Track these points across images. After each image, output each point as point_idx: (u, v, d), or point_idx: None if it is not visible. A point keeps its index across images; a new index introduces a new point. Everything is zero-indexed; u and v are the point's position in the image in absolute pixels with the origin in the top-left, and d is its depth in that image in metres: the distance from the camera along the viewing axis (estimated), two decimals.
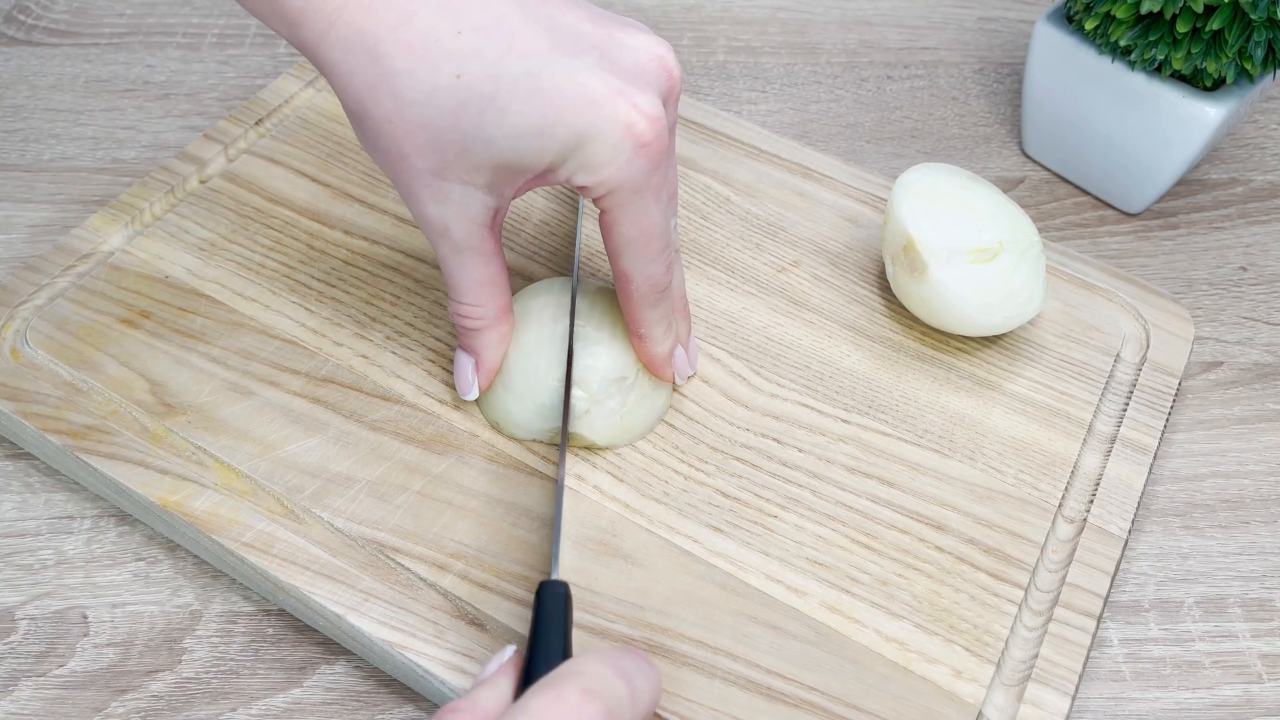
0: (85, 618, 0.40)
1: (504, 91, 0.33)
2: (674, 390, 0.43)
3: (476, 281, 0.38)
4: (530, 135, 0.33)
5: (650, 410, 0.42)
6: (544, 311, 0.41)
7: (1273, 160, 0.59)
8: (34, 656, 0.39)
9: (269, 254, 0.47)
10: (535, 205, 0.50)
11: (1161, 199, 0.56)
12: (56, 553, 0.41)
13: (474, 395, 0.41)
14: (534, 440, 0.41)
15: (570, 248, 0.48)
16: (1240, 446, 0.47)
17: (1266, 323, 0.51)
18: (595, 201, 0.35)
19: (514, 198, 0.37)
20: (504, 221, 0.41)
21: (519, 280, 0.47)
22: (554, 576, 0.34)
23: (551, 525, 0.39)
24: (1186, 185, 0.57)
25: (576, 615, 0.37)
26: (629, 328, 0.40)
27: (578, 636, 0.37)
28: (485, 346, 0.40)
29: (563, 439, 0.39)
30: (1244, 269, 0.54)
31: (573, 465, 0.41)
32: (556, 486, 0.38)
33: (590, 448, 0.41)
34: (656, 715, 0.35)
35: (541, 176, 0.35)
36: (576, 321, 0.41)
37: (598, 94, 0.32)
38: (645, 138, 0.33)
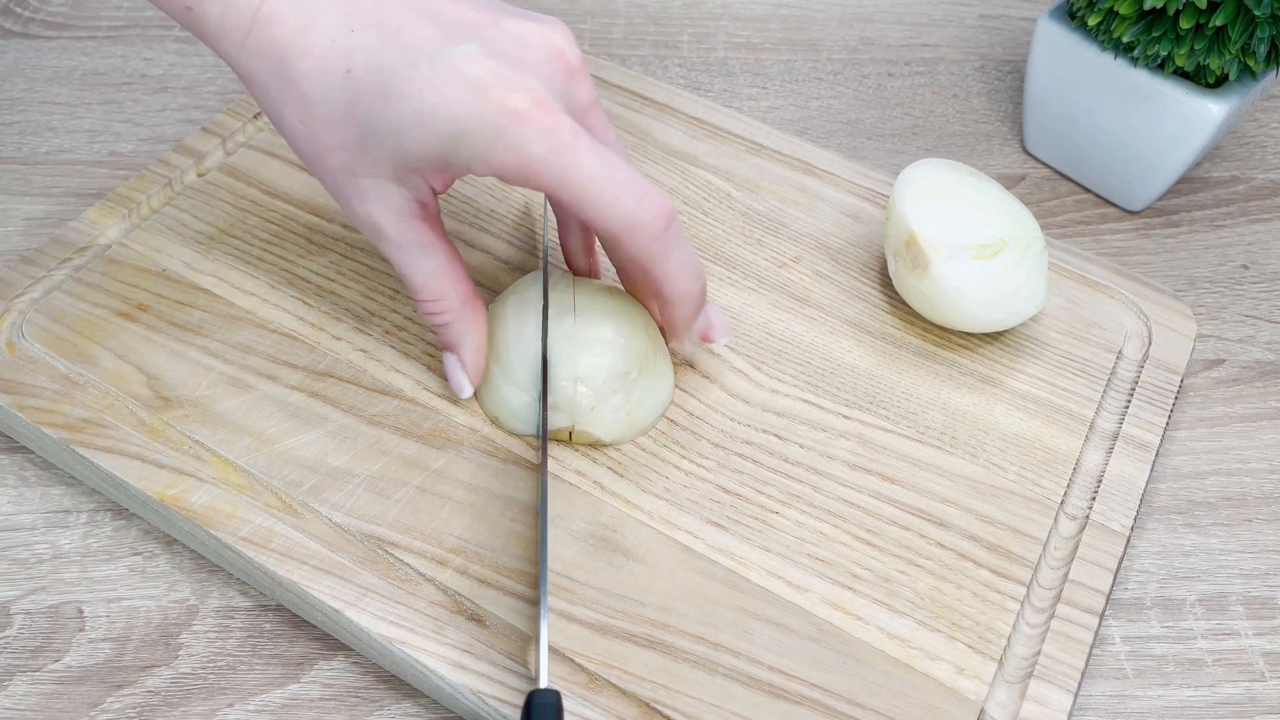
0: (81, 612, 0.39)
1: (388, 82, 0.34)
2: (675, 386, 0.43)
3: (426, 274, 0.38)
4: (412, 124, 0.33)
5: (655, 403, 0.41)
6: (541, 301, 0.41)
7: (1274, 158, 0.59)
8: (29, 651, 0.38)
9: (267, 247, 0.47)
10: (535, 198, 0.50)
11: (1163, 197, 0.56)
12: (52, 547, 0.41)
13: (468, 393, 0.40)
14: (534, 435, 0.41)
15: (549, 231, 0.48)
16: (1242, 444, 0.47)
17: (1268, 321, 0.51)
18: (526, 186, 0.34)
19: (440, 191, 0.37)
20: (453, 210, 0.41)
21: (504, 266, 0.47)
22: (542, 684, 0.32)
23: (549, 520, 0.39)
24: (1188, 183, 0.57)
25: (578, 610, 0.37)
26: (653, 291, 0.38)
27: (579, 632, 0.36)
28: (460, 338, 0.40)
29: (543, 457, 0.37)
30: (1245, 267, 0.54)
31: (573, 461, 0.41)
32: (540, 563, 0.36)
33: (595, 444, 0.41)
34: (656, 712, 0.35)
35: (444, 168, 0.35)
36: (578, 319, 0.40)
37: (473, 78, 0.33)
38: (519, 109, 0.32)
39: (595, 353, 0.40)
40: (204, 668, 0.38)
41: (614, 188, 0.34)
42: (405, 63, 0.34)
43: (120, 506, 0.42)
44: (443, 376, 0.43)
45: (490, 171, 0.34)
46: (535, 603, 0.37)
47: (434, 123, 0.33)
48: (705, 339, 0.40)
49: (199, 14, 0.36)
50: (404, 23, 0.34)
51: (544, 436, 0.39)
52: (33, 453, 0.43)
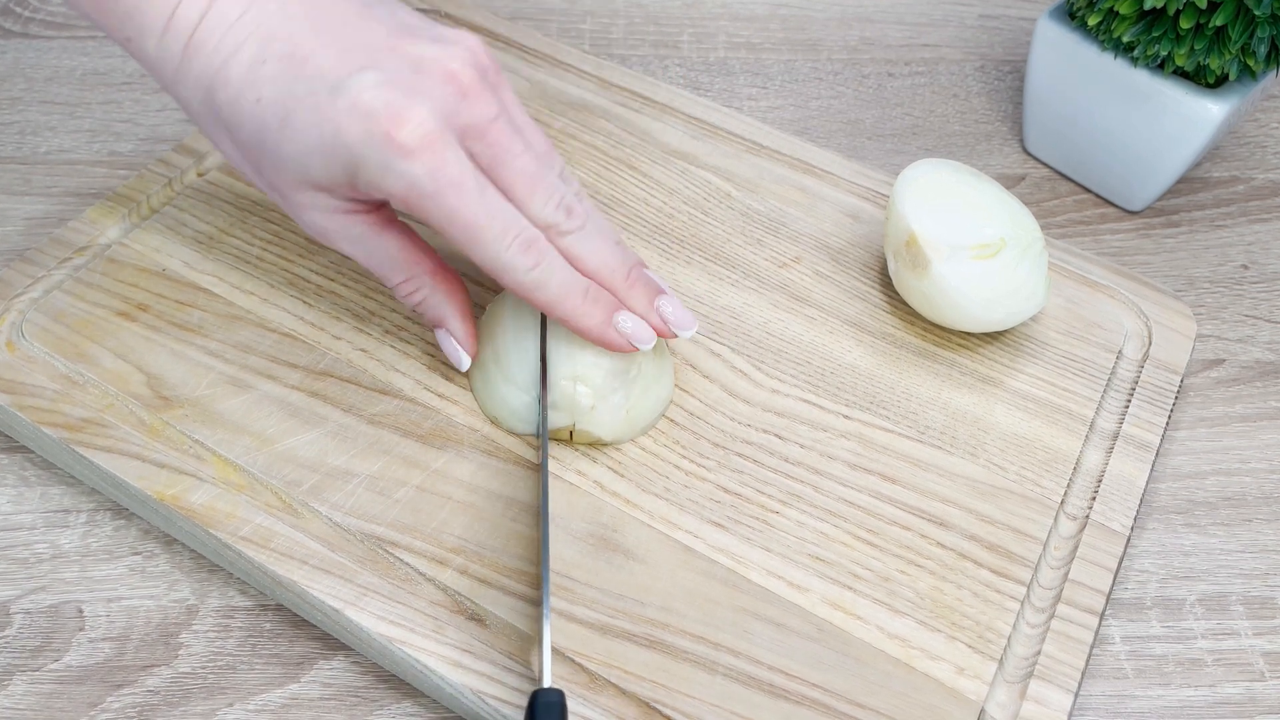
0: (81, 612, 0.39)
1: (291, 111, 0.35)
2: (675, 386, 0.43)
3: (389, 259, 0.39)
4: (313, 152, 0.35)
5: (655, 402, 0.41)
6: None
7: (1274, 159, 0.59)
8: (29, 651, 0.38)
9: (267, 247, 0.47)
10: None
11: (1162, 197, 0.56)
12: (52, 546, 0.41)
13: (466, 364, 0.41)
14: (534, 435, 0.41)
15: None
16: (1242, 444, 0.47)
17: (1268, 321, 0.51)
18: (412, 214, 0.36)
19: (368, 202, 0.38)
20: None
21: None
22: (546, 684, 0.32)
23: (549, 520, 0.39)
24: (1187, 183, 0.57)
25: (578, 610, 0.37)
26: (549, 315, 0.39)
27: (579, 631, 0.36)
28: (439, 310, 0.40)
29: (544, 478, 0.37)
30: (1245, 267, 0.54)
31: (573, 461, 0.41)
32: (541, 565, 0.36)
33: (596, 444, 0.41)
34: (656, 712, 0.35)
35: (354, 190, 0.36)
36: None
37: (365, 108, 0.34)
38: (408, 144, 0.34)
39: (594, 351, 0.40)
40: (204, 667, 0.38)
41: (492, 230, 0.36)
42: (307, 92, 0.35)
43: (120, 506, 0.42)
44: (443, 375, 0.43)
45: (380, 196, 0.36)
46: (536, 603, 0.37)
47: (331, 152, 0.35)
48: (664, 334, 0.40)
49: (137, 44, 0.38)
50: (310, 52, 0.36)
51: (544, 436, 0.39)
52: (32, 452, 0.43)
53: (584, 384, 0.40)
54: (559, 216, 0.37)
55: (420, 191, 0.35)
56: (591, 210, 0.39)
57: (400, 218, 0.40)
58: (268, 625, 0.39)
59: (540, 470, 0.39)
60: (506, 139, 0.36)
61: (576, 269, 0.38)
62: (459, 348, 0.41)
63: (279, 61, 0.36)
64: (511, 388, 0.40)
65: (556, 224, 0.37)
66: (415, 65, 0.36)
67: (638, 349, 0.39)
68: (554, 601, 0.37)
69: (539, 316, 0.41)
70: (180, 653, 0.38)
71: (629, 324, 0.39)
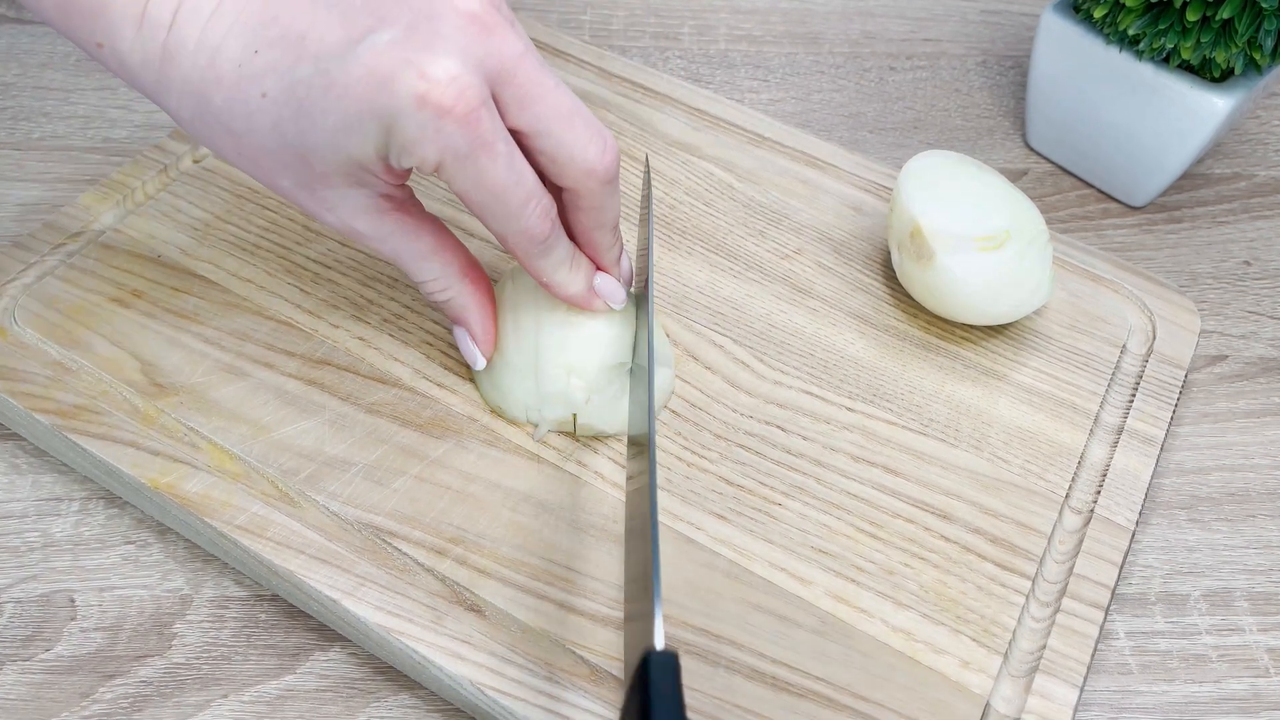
0: (73, 601, 0.39)
1: (303, 98, 0.32)
2: (676, 377, 0.43)
3: (418, 256, 0.37)
4: (342, 133, 0.32)
5: (656, 393, 0.41)
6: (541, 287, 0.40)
7: (1276, 156, 0.59)
8: (19, 641, 0.38)
9: (264, 234, 0.46)
10: None
11: (1165, 193, 0.56)
12: (43, 535, 0.40)
13: (481, 364, 0.40)
14: (535, 424, 0.41)
15: None
16: (1245, 440, 0.46)
17: (1271, 317, 0.51)
18: (440, 178, 0.33)
19: (399, 182, 0.36)
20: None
21: (502, 255, 0.46)
22: (658, 645, 0.28)
23: (549, 510, 0.38)
24: (1189, 179, 0.57)
25: (579, 601, 0.36)
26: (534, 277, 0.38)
27: (580, 623, 0.36)
28: (464, 310, 0.39)
29: (652, 479, 0.34)
30: (1248, 263, 0.53)
31: (575, 452, 0.40)
32: (651, 521, 0.32)
33: (598, 436, 0.41)
34: None
35: (388, 165, 0.34)
36: (564, 310, 0.40)
37: (385, 72, 0.31)
38: (444, 103, 0.31)
39: (587, 344, 0.39)
40: (198, 658, 0.38)
41: (514, 200, 0.34)
42: (316, 72, 0.32)
43: (113, 494, 0.41)
44: (442, 364, 0.42)
45: (414, 163, 0.33)
46: (535, 594, 0.36)
47: (360, 126, 0.32)
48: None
49: (110, 49, 0.34)
50: (306, 27, 0.32)
51: (651, 431, 0.36)
52: (24, 440, 0.43)
53: (577, 376, 0.39)
54: (606, 160, 0.35)
55: (455, 154, 0.32)
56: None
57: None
58: (263, 616, 0.39)
59: (538, 459, 0.38)
60: (537, 74, 0.33)
61: (585, 219, 0.37)
62: (476, 350, 0.40)
63: (274, 47, 0.32)
64: (512, 375, 0.40)
65: (598, 168, 0.35)
66: (426, 12, 0.32)
67: (613, 309, 0.39)
68: (554, 593, 0.36)
69: (540, 299, 0.40)
70: (174, 643, 0.38)
71: (607, 286, 0.39)
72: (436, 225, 0.38)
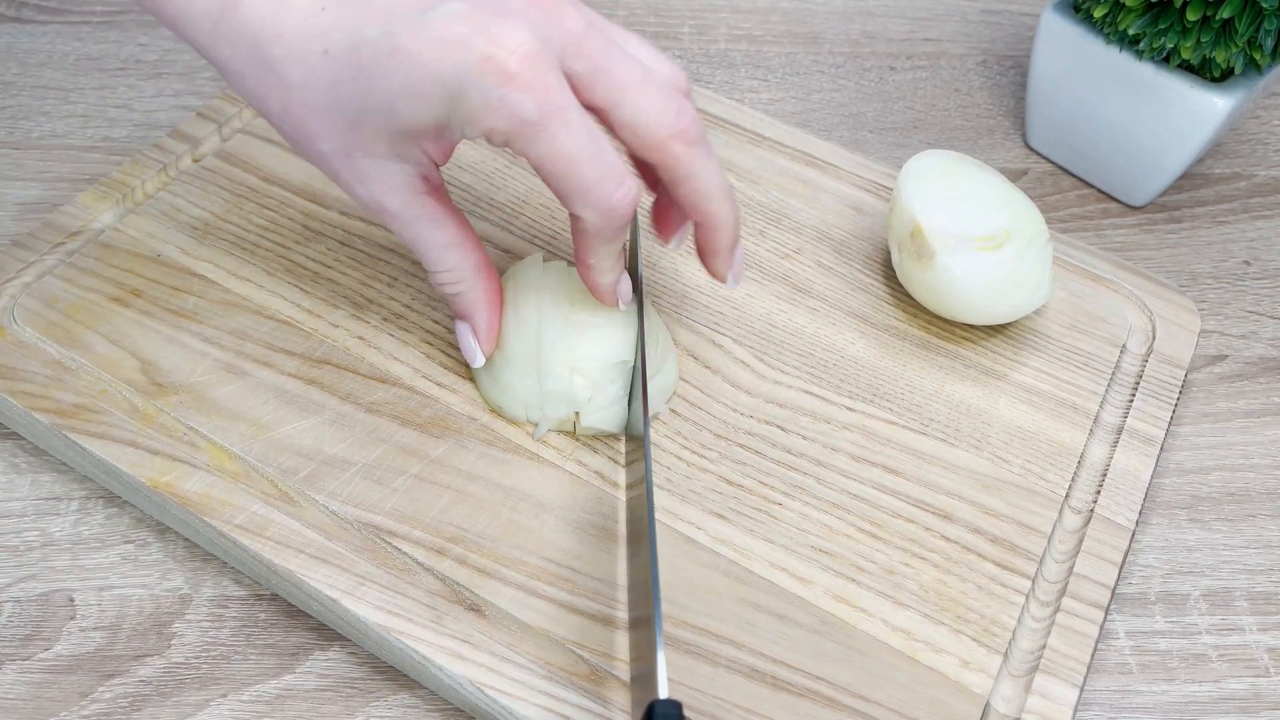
0: (72, 601, 0.39)
1: (367, 59, 0.32)
2: (677, 376, 0.43)
3: (439, 246, 0.37)
4: (402, 98, 0.32)
5: (657, 392, 0.41)
6: (543, 284, 0.40)
7: (1275, 155, 0.59)
8: (19, 640, 0.38)
9: (264, 233, 0.46)
10: (536, 188, 0.49)
11: (1164, 193, 0.56)
12: (43, 534, 0.40)
13: (480, 361, 0.40)
14: (535, 423, 0.41)
15: (546, 219, 0.48)
16: (1245, 440, 0.46)
17: (1271, 317, 0.51)
18: (513, 150, 0.33)
19: (441, 162, 0.36)
20: (478, 188, 0.39)
21: (503, 254, 0.46)
22: (662, 694, 0.29)
23: (549, 509, 0.38)
24: (1189, 179, 0.57)
25: (579, 601, 0.36)
26: (575, 254, 0.37)
27: (580, 623, 0.36)
28: (473, 306, 0.39)
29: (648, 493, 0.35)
30: (1248, 263, 0.53)
31: (574, 451, 0.40)
32: (651, 571, 0.32)
33: (599, 435, 0.40)
34: None
35: (441, 136, 0.34)
36: (566, 307, 0.40)
37: (455, 38, 0.31)
38: (510, 68, 0.31)
39: (591, 341, 0.39)
40: (197, 657, 0.38)
41: (595, 171, 0.33)
42: (382, 34, 0.32)
43: (112, 494, 0.41)
44: (442, 364, 0.42)
45: (481, 134, 0.32)
46: (535, 593, 0.36)
47: (423, 92, 0.32)
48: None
49: None
50: None
51: (646, 437, 0.37)
52: (23, 439, 0.43)
53: (580, 375, 0.39)
54: (684, 121, 0.34)
55: (524, 121, 0.31)
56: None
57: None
58: (262, 615, 0.39)
59: (538, 458, 0.38)
60: (604, 47, 0.33)
61: (687, 193, 0.35)
62: (477, 347, 0.40)
63: (342, 4, 0.33)
64: (513, 373, 0.40)
65: (676, 128, 0.34)
66: None
67: (615, 304, 0.39)
68: (554, 592, 0.36)
69: (544, 297, 0.40)
70: (173, 642, 0.38)
71: (625, 285, 0.39)
72: (461, 218, 0.38)
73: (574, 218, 0.35)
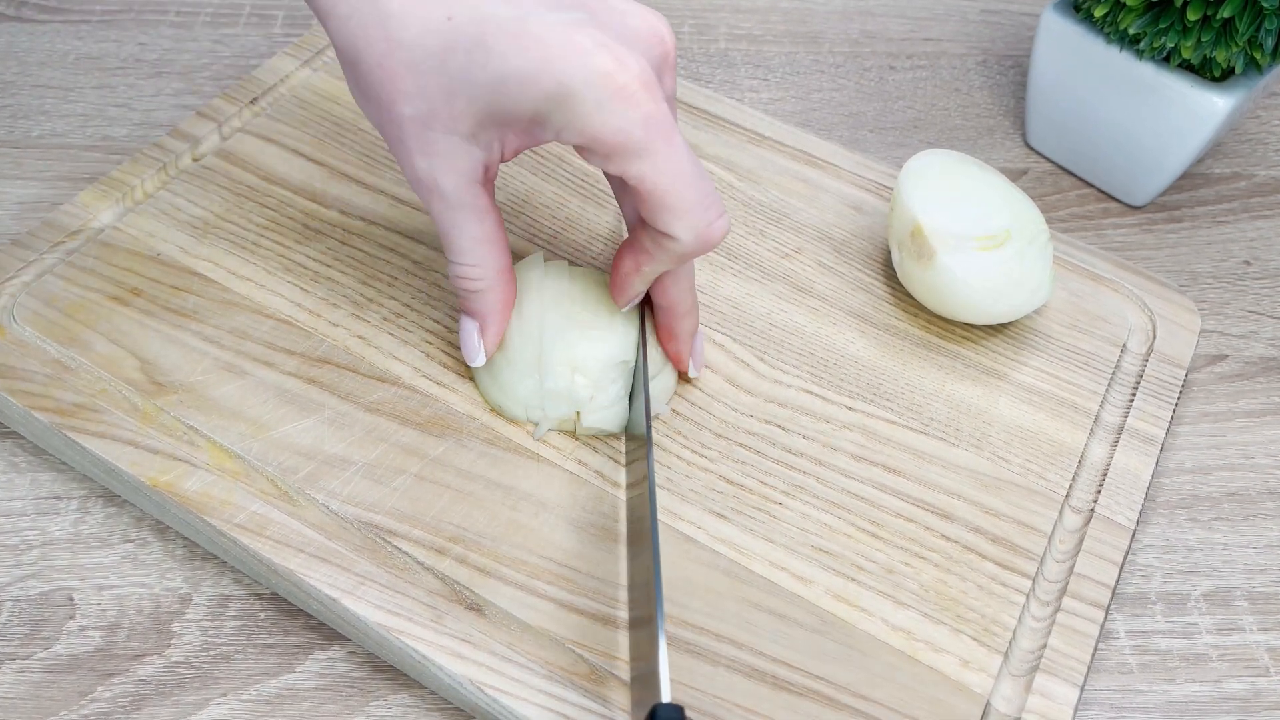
0: (71, 600, 0.39)
1: (490, 34, 0.32)
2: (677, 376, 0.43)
3: (473, 239, 0.37)
4: (513, 81, 0.32)
5: (657, 392, 0.41)
6: (544, 284, 0.40)
7: (1275, 155, 0.59)
8: (18, 639, 0.38)
9: (264, 233, 0.46)
10: (536, 188, 0.49)
11: (1164, 193, 0.56)
12: (42, 534, 0.40)
13: (481, 360, 0.40)
14: (536, 423, 0.41)
15: (572, 231, 0.48)
16: (1246, 440, 0.46)
17: (1271, 317, 0.51)
18: (606, 167, 0.33)
19: (507, 157, 0.36)
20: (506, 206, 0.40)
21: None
22: (664, 699, 0.30)
23: (549, 509, 0.38)
24: (1189, 179, 0.57)
25: (579, 600, 0.36)
26: (624, 261, 0.38)
27: (580, 622, 0.36)
28: (488, 308, 0.39)
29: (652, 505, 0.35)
30: (1248, 263, 0.53)
31: (574, 451, 0.40)
32: (654, 581, 0.33)
33: (599, 435, 0.40)
34: None
35: (529, 131, 0.34)
36: (568, 307, 0.40)
37: (585, 44, 0.32)
38: (629, 87, 0.32)
39: (592, 341, 0.39)
40: (197, 656, 0.37)
41: (695, 193, 0.34)
42: (512, 18, 0.32)
43: (112, 493, 0.41)
44: (442, 363, 0.42)
45: (580, 140, 0.33)
46: (535, 593, 0.36)
47: (537, 82, 0.32)
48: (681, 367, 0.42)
49: None
50: None
51: (649, 435, 0.37)
52: (23, 438, 0.43)
53: (581, 374, 0.39)
54: (711, 240, 0.36)
55: (629, 137, 0.32)
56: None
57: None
58: (262, 614, 0.39)
59: (539, 458, 0.38)
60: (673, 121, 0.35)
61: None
62: (480, 346, 0.40)
63: None
64: (514, 373, 0.40)
65: (704, 249, 0.36)
66: (623, 19, 0.34)
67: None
68: (554, 591, 0.36)
69: (545, 297, 0.40)
70: (173, 642, 0.38)
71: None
72: (500, 219, 0.38)
73: (658, 234, 0.35)
